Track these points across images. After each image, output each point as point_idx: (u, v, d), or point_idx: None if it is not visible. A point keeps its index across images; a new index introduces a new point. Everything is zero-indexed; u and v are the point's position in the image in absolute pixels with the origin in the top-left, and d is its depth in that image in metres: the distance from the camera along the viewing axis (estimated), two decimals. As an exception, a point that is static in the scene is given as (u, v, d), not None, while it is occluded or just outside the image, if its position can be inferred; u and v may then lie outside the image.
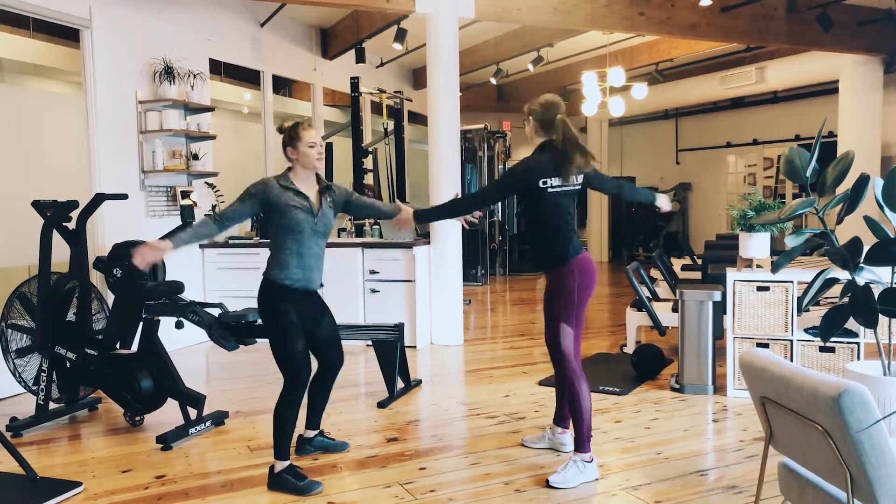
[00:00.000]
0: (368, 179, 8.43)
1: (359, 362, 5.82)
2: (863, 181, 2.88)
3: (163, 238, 3.30)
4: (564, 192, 3.30)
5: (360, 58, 8.39)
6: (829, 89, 10.10)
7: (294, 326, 3.25)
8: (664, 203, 3.84)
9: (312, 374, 3.42)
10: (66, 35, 6.14)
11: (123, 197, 4.74)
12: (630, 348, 5.72)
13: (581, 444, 3.29)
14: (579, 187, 3.36)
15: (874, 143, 8.80)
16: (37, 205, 4.28)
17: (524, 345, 6.49)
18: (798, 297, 4.31)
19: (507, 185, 3.62)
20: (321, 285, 3.42)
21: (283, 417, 3.24)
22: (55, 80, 7.38)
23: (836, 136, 9.23)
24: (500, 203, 11.54)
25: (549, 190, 3.25)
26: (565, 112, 3.33)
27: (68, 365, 4.29)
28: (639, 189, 4.08)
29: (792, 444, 2.18)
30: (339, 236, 8.32)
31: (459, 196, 3.64)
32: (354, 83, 7.85)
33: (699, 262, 7.21)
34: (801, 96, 11.46)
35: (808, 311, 4.75)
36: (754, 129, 12.63)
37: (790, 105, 11.87)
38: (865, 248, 2.92)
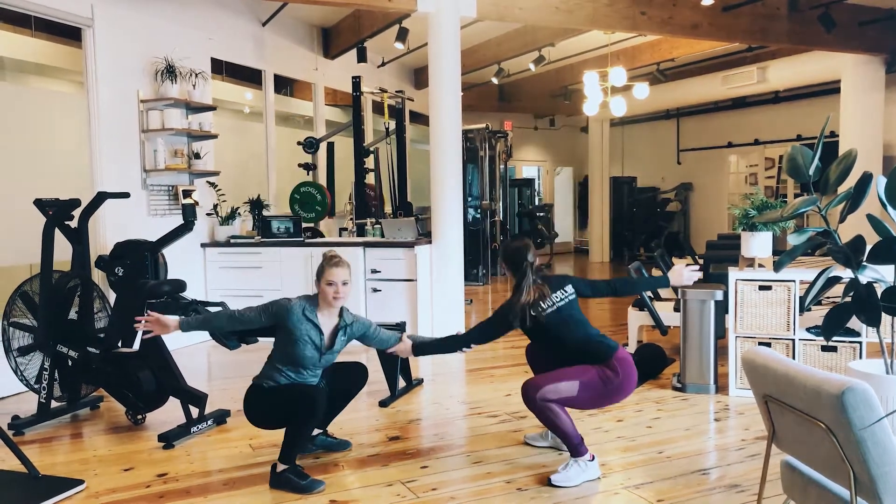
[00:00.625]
0: (370, 179, 8.43)
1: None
2: (866, 179, 2.87)
3: (177, 314, 3.48)
4: (558, 309, 3.33)
5: (362, 57, 8.39)
6: (830, 89, 10.10)
7: (284, 392, 3.29)
8: (678, 279, 3.67)
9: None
10: (69, 34, 6.14)
11: (125, 196, 4.75)
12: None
13: (575, 450, 3.27)
14: (573, 296, 3.40)
15: (876, 142, 8.80)
16: (39, 203, 4.29)
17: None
18: (800, 297, 4.31)
19: (499, 324, 3.45)
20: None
21: (300, 432, 3.24)
22: (57, 79, 7.38)
23: (837, 135, 9.22)
24: (500, 203, 11.54)
25: (540, 319, 3.30)
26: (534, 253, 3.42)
27: (70, 363, 4.29)
28: (640, 281, 4.12)
29: (795, 442, 2.18)
30: (340, 236, 8.33)
31: (459, 333, 3.68)
32: (356, 83, 7.85)
33: (701, 261, 7.21)
34: (803, 96, 11.45)
35: (810, 310, 4.74)
36: (756, 129, 12.62)
37: (792, 105, 11.87)
38: (868, 247, 2.91)
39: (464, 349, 3.54)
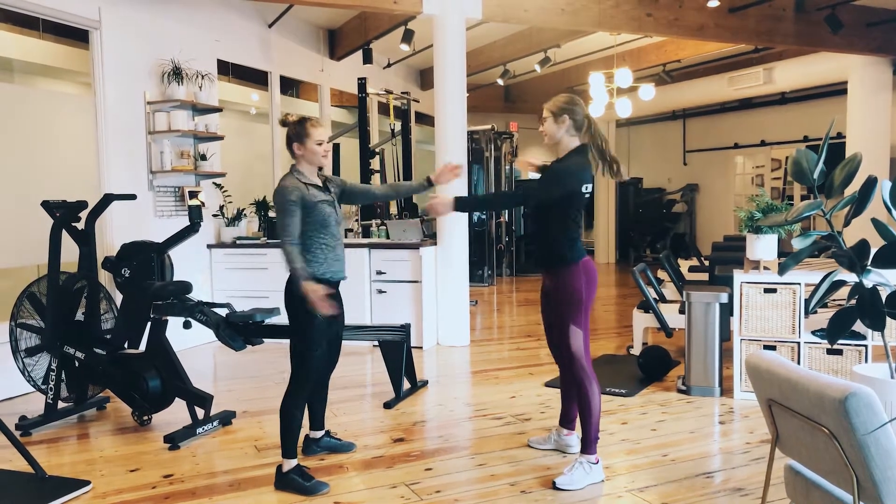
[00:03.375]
0: (375, 180, 8.44)
1: (365, 363, 5.83)
2: (870, 183, 2.87)
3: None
4: (588, 196, 3.35)
5: (368, 59, 8.41)
6: (837, 90, 10.06)
7: (320, 329, 3.26)
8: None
9: None
10: (76, 36, 6.17)
11: (132, 197, 4.77)
12: (637, 350, 5.71)
13: (588, 444, 3.29)
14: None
15: (883, 144, 8.76)
16: (46, 205, 4.31)
17: (530, 346, 6.48)
18: (805, 300, 4.30)
19: (557, 185, 3.31)
20: (345, 277, 3.45)
21: (291, 416, 3.25)
22: (64, 80, 7.41)
23: (844, 137, 9.20)
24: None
25: (585, 194, 3.31)
26: None
27: (77, 364, 4.32)
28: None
29: (798, 446, 2.18)
30: (345, 237, 8.33)
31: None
32: (362, 84, 7.87)
33: (706, 263, 7.20)
34: (810, 97, 11.42)
35: (815, 313, 4.74)
36: (762, 131, 12.59)
37: (798, 106, 11.83)
38: (873, 251, 2.91)
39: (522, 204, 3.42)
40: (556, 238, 3.33)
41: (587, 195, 3.33)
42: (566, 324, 3.31)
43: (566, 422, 3.69)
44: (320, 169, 3.42)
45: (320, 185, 3.33)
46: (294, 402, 3.26)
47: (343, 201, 3.54)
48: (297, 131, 3.30)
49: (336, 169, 8.45)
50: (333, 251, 3.33)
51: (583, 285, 3.29)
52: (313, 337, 3.25)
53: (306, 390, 3.29)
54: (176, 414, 4.20)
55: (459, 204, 3.43)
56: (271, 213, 7.15)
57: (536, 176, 3.59)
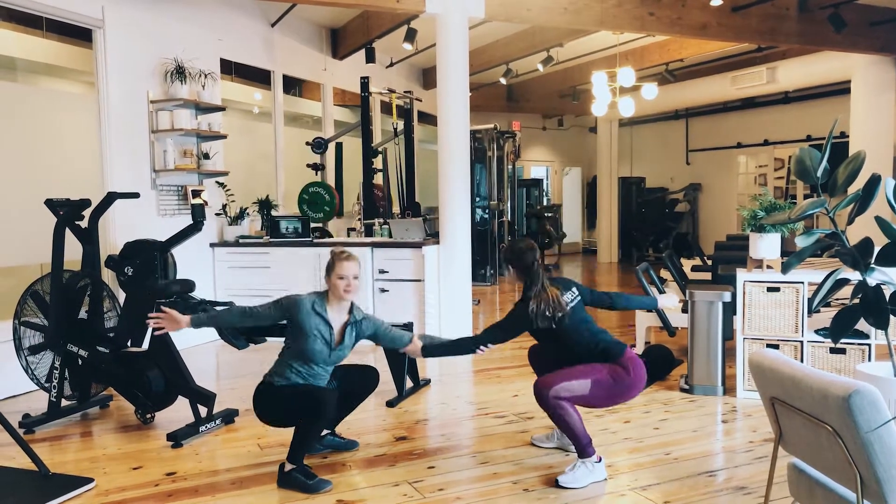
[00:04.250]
0: (378, 179, 8.44)
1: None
2: (874, 181, 2.86)
3: (186, 314, 3.47)
4: (573, 310, 3.34)
5: (371, 58, 8.41)
6: (841, 89, 10.04)
7: (295, 392, 3.30)
8: (668, 302, 3.89)
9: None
10: (79, 35, 6.18)
11: (135, 196, 4.77)
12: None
13: (583, 451, 3.28)
14: (580, 297, 3.42)
15: (886, 143, 8.74)
16: (50, 203, 4.32)
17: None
18: (808, 298, 4.29)
19: (508, 328, 3.44)
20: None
21: (308, 433, 3.26)
22: (68, 79, 7.42)
23: (848, 136, 9.18)
24: (508, 203, 11.54)
25: (563, 322, 3.30)
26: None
27: (80, 362, 4.33)
28: (634, 298, 3.86)
29: (801, 444, 2.18)
30: (348, 236, 8.35)
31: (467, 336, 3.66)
32: (364, 83, 7.86)
33: (709, 262, 7.19)
34: (813, 96, 11.40)
35: (818, 312, 4.72)
36: (765, 130, 12.57)
37: (802, 105, 11.81)
38: (876, 249, 2.90)
39: (476, 351, 3.45)
40: (582, 352, 3.34)
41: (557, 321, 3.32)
42: (572, 376, 3.23)
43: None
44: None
45: (329, 321, 3.34)
46: (314, 424, 3.25)
47: (370, 339, 3.56)
48: (329, 261, 3.38)
49: (339, 169, 8.46)
50: (304, 379, 3.35)
51: (619, 380, 3.26)
52: (296, 401, 3.28)
53: (326, 416, 3.29)
54: (179, 412, 4.20)
55: (424, 350, 3.55)
56: (274, 212, 7.16)
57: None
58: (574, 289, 3.42)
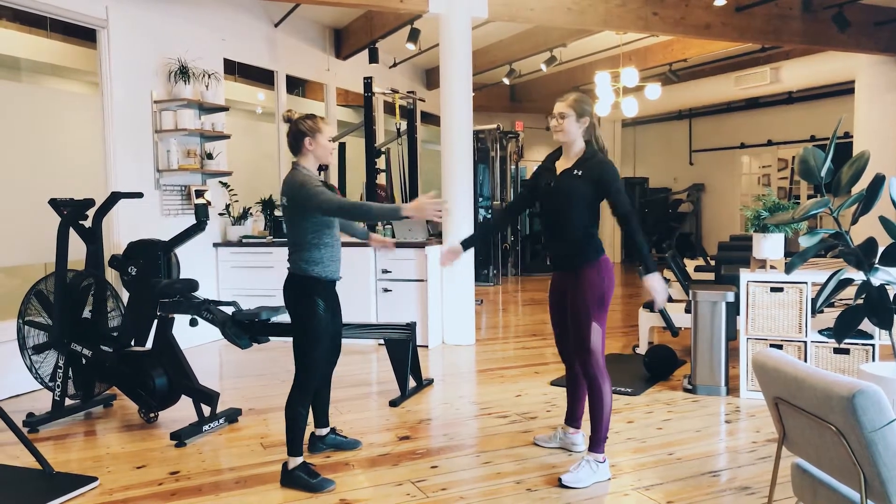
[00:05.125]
0: (381, 179, 8.44)
1: (371, 361, 5.84)
2: (878, 181, 2.86)
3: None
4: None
5: (374, 58, 8.41)
6: (844, 90, 10.03)
7: (324, 326, 3.28)
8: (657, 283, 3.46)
9: None
10: (83, 35, 6.20)
11: (138, 196, 4.78)
12: (643, 349, 5.71)
13: (597, 443, 3.29)
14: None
15: (890, 143, 8.72)
16: (54, 203, 4.33)
17: (536, 345, 6.48)
18: (812, 299, 4.29)
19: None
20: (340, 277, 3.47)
21: (296, 413, 3.26)
22: (72, 79, 7.44)
23: (851, 136, 9.16)
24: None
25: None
26: None
27: (84, 362, 4.34)
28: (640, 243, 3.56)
29: (805, 444, 2.18)
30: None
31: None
32: (367, 83, 7.87)
33: (712, 262, 7.18)
34: (817, 97, 11.38)
35: (822, 312, 4.73)
36: (769, 130, 12.56)
37: (805, 105, 11.79)
38: (880, 249, 2.90)
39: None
40: (579, 237, 3.33)
41: None
42: (588, 321, 3.30)
43: (572, 420, 3.68)
44: (324, 169, 3.43)
45: (328, 184, 3.35)
46: (299, 400, 3.27)
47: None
48: (310, 126, 3.30)
49: (342, 168, 8.45)
50: (331, 250, 3.34)
51: (605, 283, 3.31)
52: (315, 334, 3.26)
53: (311, 388, 3.31)
54: (182, 411, 4.21)
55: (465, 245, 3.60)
56: (277, 213, 7.16)
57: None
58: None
